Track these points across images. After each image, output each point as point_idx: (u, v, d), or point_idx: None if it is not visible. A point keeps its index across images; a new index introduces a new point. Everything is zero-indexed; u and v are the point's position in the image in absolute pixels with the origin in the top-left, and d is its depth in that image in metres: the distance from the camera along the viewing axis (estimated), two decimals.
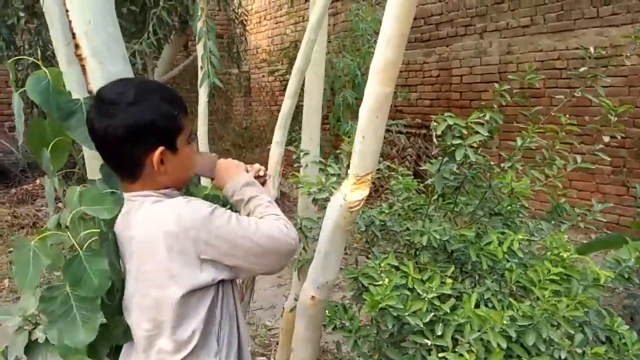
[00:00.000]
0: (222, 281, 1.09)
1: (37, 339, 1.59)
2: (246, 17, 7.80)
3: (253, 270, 1.11)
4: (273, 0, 9.01)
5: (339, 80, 4.64)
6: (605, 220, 1.91)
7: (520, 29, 5.14)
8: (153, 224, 1.03)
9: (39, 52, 1.31)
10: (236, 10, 7.27)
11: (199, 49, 2.81)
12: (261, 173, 1.36)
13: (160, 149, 1.05)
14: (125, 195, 1.11)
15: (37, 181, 7.14)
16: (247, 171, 1.33)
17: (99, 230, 1.10)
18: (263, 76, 9.45)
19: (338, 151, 2.14)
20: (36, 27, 5.40)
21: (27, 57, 1.36)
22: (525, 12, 5.09)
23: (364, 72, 4.79)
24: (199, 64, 2.83)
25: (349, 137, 2.33)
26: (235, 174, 1.27)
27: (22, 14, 5.17)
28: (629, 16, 4.28)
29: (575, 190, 4.50)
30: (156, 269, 1.02)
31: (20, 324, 1.65)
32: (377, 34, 4.43)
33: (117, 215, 1.11)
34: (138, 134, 1.03)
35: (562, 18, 4.79)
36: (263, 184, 1.36)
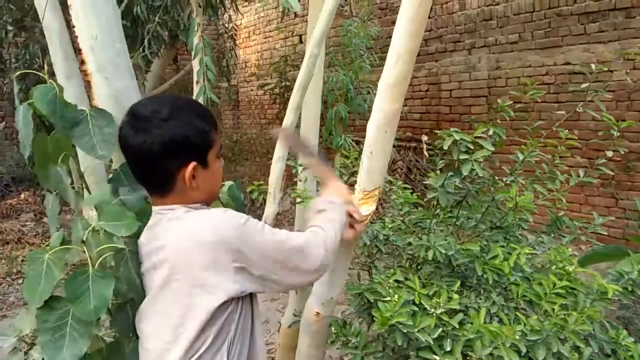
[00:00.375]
0: (243, 298, 1.08)
1: None
2: (235, 32, 7.82)
3: (279, 283, 1.11)
4: (262, 15, 9.06)
5: (331, 95, 4.67)
6: (596, 233, 1.94)
7: (509, 45, 5.23)
8: (189, 232, 1.03)
9: (45, 65, 1.29)
10: (226, 25, 7.29)
11: (195, 64, 2.80)
12: (355, 216, 1.34)
13: (193, 164, 1.07)
14: (154, 208, 1.12)
15: (22, 196, 7.03)
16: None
17: (115, 246, 1.09)
18: (252, 90, 9.47)
19: (330, 164, 2.14)
20: (24, 41, 5.35)
21: (34, 72, 1.34)
22: (514, 28, 5.18)
23: (357, 87, 4.83)
24: (194, 78, 2.83)
25: (347, 151, 2.33)
26: (340, 195, 1.32)
27: (10, 28, 5.12)
28: (615, 33, 4.38)
29: (566, 203, 4.56)
30: (190, 278, 1.01)
31: (16, 344, 1.61)
32: (369, 49, 4.47)
33: (139, 231, 1.10)
34: (173, 149, 1.04)
35: (550, 35, 4.89)
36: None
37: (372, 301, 1.52)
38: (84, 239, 1.13)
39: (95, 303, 1.09)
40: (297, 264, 1.09)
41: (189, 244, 1.02)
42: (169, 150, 1.04)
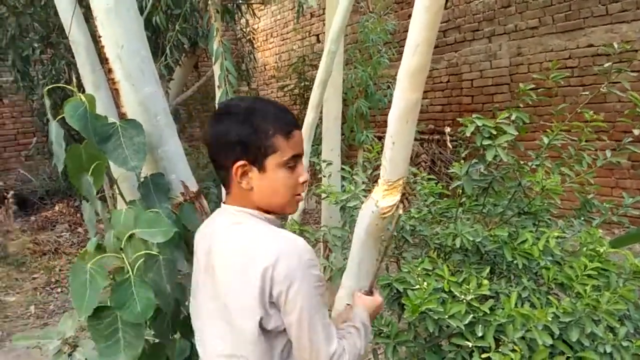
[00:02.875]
0: None
1: None
2: (253, 36, 7.90)
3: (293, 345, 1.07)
4: (279, 17, 9.13)
5: (351, 91, 4.67)
6: (628, 215, 1.90)
7: (529, 31, 5.15)
8: (246, 252, 1.02)
9: (73, 79, 1.35)
10: (243, 29, 7.37)
11: (216, 69, 2.86)
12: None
13: (242, 161, 1.07)
14: (225, 205, 1.14)
15: (56, 208, 7.24)
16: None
17: (151, 252, 1.13)
18: (272, 92, 9.54)
19: (353, 160, 2.16)
20: (50, 57, 5.52)
21: (63, 85, 1.40)
22: (533, 13, 5.10)
23: (376, 82, 4.82)
24: (216, 83, 2.89)
25: (370, 146, 2.35)
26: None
27: (36, 45, 5.29)
28: (638, 12, 4.27)
29: (597, 187, 4.48)
30: (236, 297, 1.02)
31: (60, 347, 1.68)
32: (387, 43, 4.46)
33: (173, 237, 1.13)
34: (227, 143, 1.08)
35: (571, 17, 4.79)
36: None
37: (401, 291, 1.54)
38: (122, 246, 1.18)
39: (142, 306, 1.14)
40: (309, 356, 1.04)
41: (242, 264, 1.01)
42: (224, 143, 1.08)
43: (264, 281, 0.98)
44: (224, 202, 1.16)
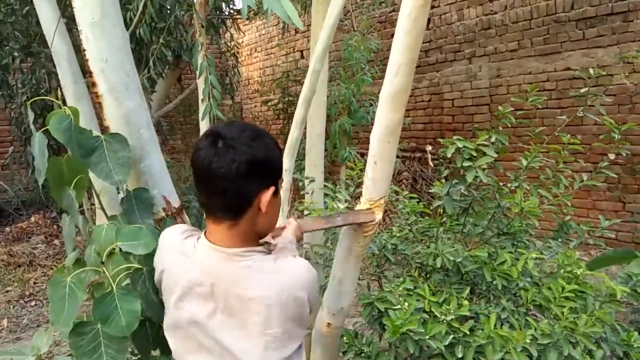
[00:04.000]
0: None
1: None
2: (238, 50, 7.92)
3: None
4: (264, 32, 9.18)
5: (334, 108, 4.71)
6: (604, 237, 1.94)
7: (509, 53, 5.27)
8: (288, 288, 1.03)
9: (58, 90, 1.33)
10: (228, 44, 7.38)
11: (200, 83, 2.86)
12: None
13: (272, 188, 1.04)
14: (213, 245, 1.06)
15: (32, 219, 7.08)
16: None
17: (133, 265, 1.11)
18: (255, 106, 9.56)
19: (336, 176, 2.18)
20: (31, 66, 5.44)
21: (46, 97, 1.38)
22: (513, 36, 5.23)
23: (359, 99, 4.87)
24: (199, 96, 2.88)
25: (352, 162, 2.36)
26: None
27: (16, 54, 5.21)
28: (614, 37, 4.41)
29: (573, 208, 4.56)
30: (282, 330, 1.02)
31: None
32: (370, 62, 4.51)
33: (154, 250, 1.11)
34: (260, 168, 1.02)
35: (549, 41, 4.92)
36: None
37: (382, 310, 1.54)
38: (103, 259, 1.16)
39: (126, 319, 1.12)
40: None
41: (288, 299, 1.02)
42: (257, 169, 1.01)
43: (305, 308, 1.05)
44: (215, 242, 1.06)
